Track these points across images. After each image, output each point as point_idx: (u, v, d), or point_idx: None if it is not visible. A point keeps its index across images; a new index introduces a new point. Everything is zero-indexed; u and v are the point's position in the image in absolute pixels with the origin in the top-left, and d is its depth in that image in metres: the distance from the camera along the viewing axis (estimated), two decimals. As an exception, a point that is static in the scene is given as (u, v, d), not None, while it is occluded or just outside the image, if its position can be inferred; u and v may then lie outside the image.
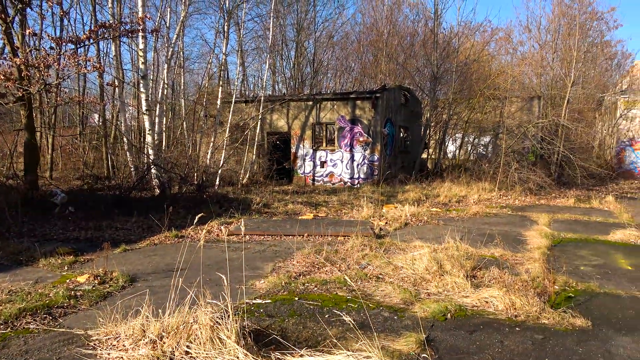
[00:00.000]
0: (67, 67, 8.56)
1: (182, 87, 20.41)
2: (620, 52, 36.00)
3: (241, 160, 18.04)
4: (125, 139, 16.34)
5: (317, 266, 6.49)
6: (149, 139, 13.58)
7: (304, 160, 19.33)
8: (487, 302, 5.13)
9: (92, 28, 9.53)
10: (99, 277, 5.76)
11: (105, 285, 5.63)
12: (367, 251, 7.35)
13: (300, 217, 11.27)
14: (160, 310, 4.04)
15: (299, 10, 26.82)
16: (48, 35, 9.16)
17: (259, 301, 5.20)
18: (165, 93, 14.61)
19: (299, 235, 8.84)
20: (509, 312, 4.87)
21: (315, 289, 5.65)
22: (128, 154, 16.18)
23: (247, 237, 8.76)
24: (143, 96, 13.47)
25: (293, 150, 19.51)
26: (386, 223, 10.49)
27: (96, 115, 22.85)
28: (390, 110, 19.09)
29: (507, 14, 60.23)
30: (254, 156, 17.98)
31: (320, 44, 28.37)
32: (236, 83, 16.72)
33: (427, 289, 5.65)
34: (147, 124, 13.58)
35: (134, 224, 9.66)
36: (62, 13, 9.32)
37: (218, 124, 16.52)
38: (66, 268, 6.46)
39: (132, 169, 15.27)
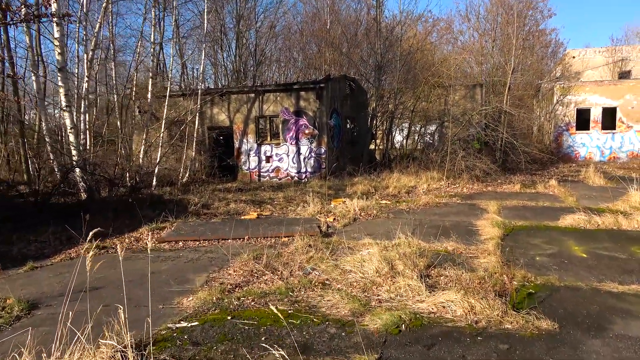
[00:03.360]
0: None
1: (114, 80, 18.91)
2: (554, 40, 37.36)
3: (181, 158, 16.89)
4: (47, 139, 14.77)
5: (256, 275, 5.75)
6: (71, 137, 12.26)
7: (249, 155, 18.42)
8: (444, 307, 4.60)
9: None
10: (-13, 307, 4.75)
11: (-6, 317, 4.64)
12: (313, 253, 6.69)
13: (242, 217, 10.46)
14: (44, 354, 3.18)
15: (238, -1, 25.70)
16: None
17: (183, 324, 4.41)
18: (87, 87, 13.22)
19: (239, 239, 8.06)
20: (469, 318, 4.36)
21: (253, 303, 4.91)
22: (52, 155, 14.66)
23: (180, 243, 7.88)
24: (62, 90, 12.08)
25: (236, 145, 18.54)
26: (334, 219, 9.88)
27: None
28: (335, 101, 18.52)
29: (447, 4, 61.32)
30: (193, 153, 16.87)
31: (262, 35, 27.38)
32: (169, 75, 15.50)
33: (379, 295, 5.06)
34: (67, 122, 12.24)
35: (51, 235, 8.49)
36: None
37: (153, 119, 15.30)
38: (-50, 296, 5.36)
39: (56, 173, 13.84)
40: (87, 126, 13.19)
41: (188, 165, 16.70)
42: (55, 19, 11.34)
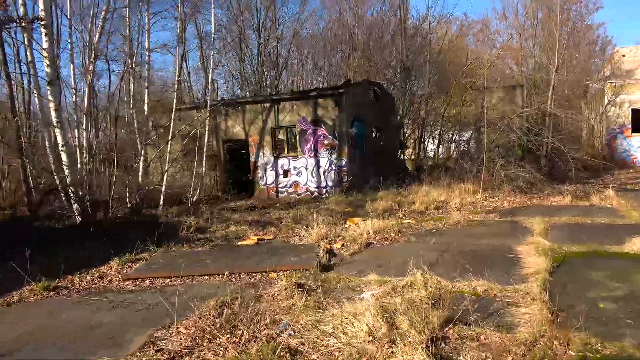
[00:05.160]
0: None
1: (137, 96, 18.12)
2: (602, 36, 34.59)
3: (194, 174, 15.77)
4: (50, 158, 13.96)
5: (207, 337, 4.27)
6: (63, 157, 11.32)
7: (265, 169, 17.12)
8: (460, 407, 2.97)
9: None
10: None
11: None
12: (297, 298, 5.15)
13: (239, 243, 9.07)
14: None
15: (258, 8, 24.78)
16: None
17: None
18: (84, 102, 12.22)
19: (220, 275, 6.63)
20: None
21: (183, 388, 3.44)
22: (56, 176, 13.84)
23: (147, 281, 6.53)
24: (52, 105, 11.16)
25: (252, 159, 17.29)
26: (343, 245, 8.32)
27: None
28: (357, 108, 16.99)
29: (481, 2, 58.37)
30: (204, 168, 15.71)
31: (285, 44, 26.31)
32: (175, 86, 14.44)
33: (366, 376, 3.48)
34: (59, 139, 11.31)
35: (9, 272, 7.34)
36: None
37: (155, 131, 14.27)
38: None
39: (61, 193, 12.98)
40: (79, 142, 12.20)
41: (198, 182, 15.53)
42: (44, 30, 10.52)
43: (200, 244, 9.03)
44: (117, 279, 6.69)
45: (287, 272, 6.46)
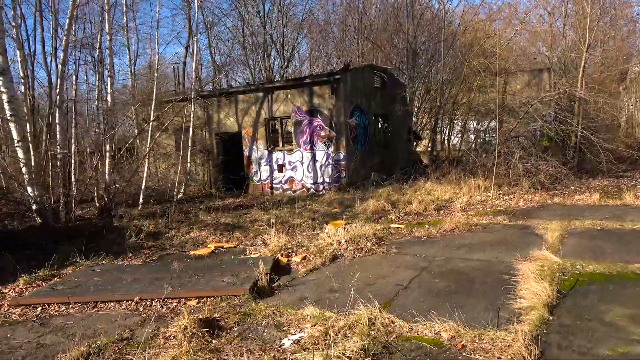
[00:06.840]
0: None
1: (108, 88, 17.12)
2: (643, 12, 31.48)
3: (178, 170, 14.62)
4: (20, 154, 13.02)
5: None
6: (19, 153, 10.30)
7: (259, 164, 15.78)
8: None
9: None
10: None
11: None
12: (183, 349, 3.76)
13: (192, 252, 7.77)
14: None
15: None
16: None
17: None
18: (54, 93, 11.11)
19: (129, 301, 5.31)
20: None
21: None
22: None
23: (38, 308, 5.28)
24: (5, 97, 10.15)
25: (246, 153, 15.98)
26: (304, 258, 6.88)
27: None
28: (358, 96, 15.39)
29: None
30: (188, 164, 14.51)
31: (292, 31, 24.85)
32: (155, 75, 13.23)
33: None
34: (15, 134, 10.28)
35: None
36: None
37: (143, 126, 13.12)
38: None
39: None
40: (32, 138, 11.13)
41: (183, 179, 14.35)
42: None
43: (147, 254, 7.76)
44: (7, 305, 5.48)
45: (212, 298, 5.10)
